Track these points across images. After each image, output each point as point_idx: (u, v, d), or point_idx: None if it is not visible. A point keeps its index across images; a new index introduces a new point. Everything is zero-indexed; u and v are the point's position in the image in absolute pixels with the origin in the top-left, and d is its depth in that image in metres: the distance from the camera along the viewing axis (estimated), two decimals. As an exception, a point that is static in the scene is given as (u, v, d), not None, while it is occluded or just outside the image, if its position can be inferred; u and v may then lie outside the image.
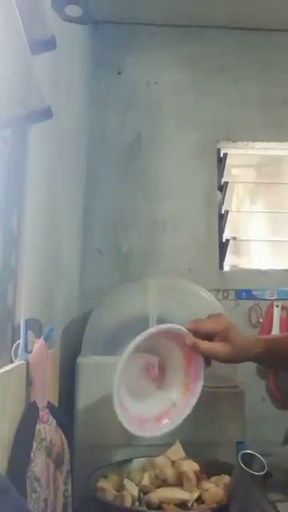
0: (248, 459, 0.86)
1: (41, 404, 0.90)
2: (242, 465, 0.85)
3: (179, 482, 1.02)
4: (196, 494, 0.98)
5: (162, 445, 1.12)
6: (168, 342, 1.05)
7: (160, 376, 1.07)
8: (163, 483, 1.02)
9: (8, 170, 0.93)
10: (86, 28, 1.87)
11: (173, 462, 1.06)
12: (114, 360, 1.33)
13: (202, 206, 1.97)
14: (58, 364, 1.23)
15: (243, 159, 2.10)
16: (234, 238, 1.98)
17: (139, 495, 1.00)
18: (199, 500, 0.98)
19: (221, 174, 2.01)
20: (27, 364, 0.90)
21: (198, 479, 1.01)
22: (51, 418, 0.94)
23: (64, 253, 1.48)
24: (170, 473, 1.03)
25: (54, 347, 1.15)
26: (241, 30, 2.05)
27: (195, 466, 1.04)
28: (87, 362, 1.30)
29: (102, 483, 1.01)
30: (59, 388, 1.19)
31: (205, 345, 1.03)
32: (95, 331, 1.40)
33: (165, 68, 2.04)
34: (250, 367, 1.89)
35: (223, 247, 1.96)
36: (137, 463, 1.11)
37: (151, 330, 1.00)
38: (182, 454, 1.05)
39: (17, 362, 0.88)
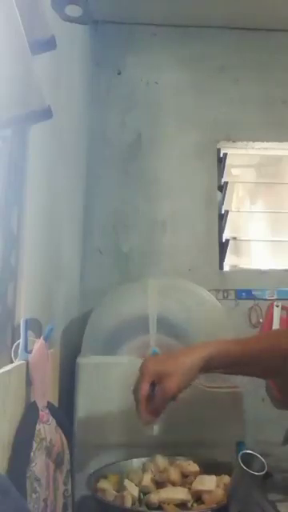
0: (248, 459, 0.86)
1: (41, 404, 0.90)
2: (241, 465, 0.85)
3: (179, 482, 1.02)
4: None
5: (162, 445, 1.12)
6: None
7: None
8: (163, 483, 1.02)
9: (8, 170, 0.93)
10: (86, 28, 1.87)
11: (173, 463, 1.06)
12: (114, 360, 1.33)
13: (202, 206, 1.97)
14: (58, 364, 1.23)
15: (243, 159, 2.10)
16: (234, 238, 1.98)
17: (139, 495, 1.00)
18: (199, 500, 0.98)
19: (221, 174, 2.01)
20: (27, 364, 0.90)
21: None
22: (51, 418, 0.94)
23: (64, 253, 1.48)
24: (170, 473, 1.03)
25: (53, 347, 1.15)
26: (241, 30, 2.05)
27: (195, 467, 1.05)
28: (87, 361, 1.30)
29: (102, 483, 1.00)
30: (59, 388, 1.19)
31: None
32: (95, 331, 1.40)
33: (165, 68, 2.04)
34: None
35: (223, 247, 1.96)
36: (137, 463, 1.11)
37: None
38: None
39: (17, 362, 0.88)
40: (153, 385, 0.99)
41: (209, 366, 1.00)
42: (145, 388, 0.98)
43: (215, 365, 1.01)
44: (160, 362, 1.02)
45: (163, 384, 0.96)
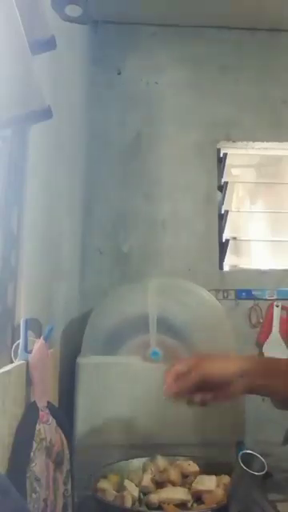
0: (248, 459, 0.86)
1: (41, 404, 0.90)
2: (242, 465, 0.85)
3: (179, 482, 1.02)
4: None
5: (161, 445, 1.12)
6: None
7: None
8: (163, 483, 1.02)
9: (8, 170, 0.93)
10: (86, 28, 1.87)
11: (172, 463, 1.06)
12: (114, 360, 1.33)
13: (201, 206, 1.97)
14: (58, 364, 1.23)
15: (243, 159, 2.10)
16: (234, 238, 1.98)
17: (139, 496, 1.00)
18: (199, 500, 0.98)
19: (221, 174, 2.01)
20: (27, 364, 0.90)
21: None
22: (51, 418, 0.94)
23: (64, 253, 1.48)
24: (170, 473, 1.03)
25: (53, 347, 1.15)
26: (241, 30, 2.05)
27: (195, 467, 1.05)
28: (87, 361, 1.30)
29: (102, 483, 1.00)
30: (59, 388, 1.19)
31: None
32: (95, 331, 1.40)
33: (165, 68, 2.04)
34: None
35: (223, 247, 1.96)
36: (137, 463, 1.11)
37: None
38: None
39: (17, 362, 0.88)
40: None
41: (248, 372, 0.98)
42: (181, 364, 0.97)
43: (254, 372, 0.99)
44: (203, 353, 1.03)
45: (200, 363, 0.96)
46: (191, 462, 1.07)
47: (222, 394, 0.97)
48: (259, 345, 1.91)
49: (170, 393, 0.95)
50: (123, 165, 1.98)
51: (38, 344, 0.93)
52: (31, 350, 0.91)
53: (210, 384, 0.95)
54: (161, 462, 1.07)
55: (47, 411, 0.93)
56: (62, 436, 0.98)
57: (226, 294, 1.91)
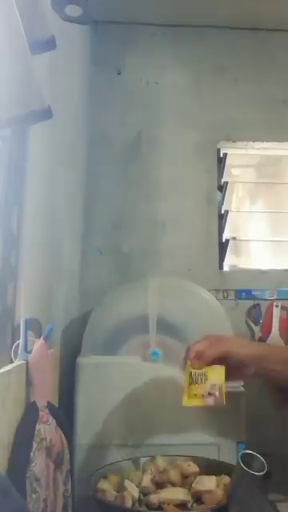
0: (248, 459, 0.86)
1: (41, 404, 0.90)
2: (242, 465, 0.85)
3: (179, 482, 1.02)
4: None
5: (161, 445, 1.12)
6: None
7: None
8: (163, 484, 1.02)
9: (8, 170, 0.93)
10: (86, 28, 1.87)
11: (172, 463, 1.06)
12: (114, 360, 1.33)
13: (202, 206, 1.97)
14: (58, 364, 1.23)
15: (243, 159, 2.10)
16: (234, 238, 1.98)
17: (139, 496, 1.00)
18: (199, 500, 0.98)
19: (221, 174, 2.01)
20: (27, 364, 0.90)
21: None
22: (51, 418, 0.94)
23: (64, 253, 1.48)
24: (170, 474, 1.03)
25: (53, 347, 1.15)
26: (241, 30, 2.05)
27: (195, 467, 1.05)
28: (87, 361, 1.30)
29: (102, 484, 1.01)
30: (59, 388, 1.19)
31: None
32: (95, 331, 1.40)
33: (165, 68, 2.03)
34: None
35: (223, 247, 1.95)
36: (137, 463, 1.11)
37: None
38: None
39: (17, 362, 0.88)
40: None
41: (265, 358, 1.06)
42: (199, 343, 1.03)
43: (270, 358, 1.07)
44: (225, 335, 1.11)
45: (222, 340, 1.05)
46: (191, 463, 1.07)
47: (236, 374, 1.03)
48: (259, 345, 1.91)
49: (193, 364, 1.01)
50: (123, 165, 1.97)
51: (37, 344, 0.93)
52: (31, 350, 0.91)
53: (228, 362, 1.02)
54: (161, 462, 1.07)
55: (47, 411, 0.93)
56: (62, 436, 0.98)
57: (225, 294, 1.91)
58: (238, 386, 1.29)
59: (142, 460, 1.11)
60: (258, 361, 1.05)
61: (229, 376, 1.03)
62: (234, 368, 1.04)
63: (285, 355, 1.12)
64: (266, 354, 1.08)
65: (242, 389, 1.29)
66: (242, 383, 1.26)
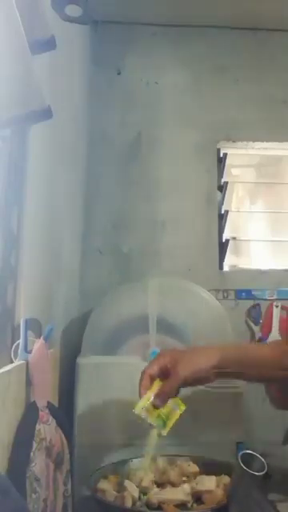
0: (248, 459, 0.86)
1: (41, 404, 0.90)
2: (242, 465, 0.85)
3: (179, 482, 1.02)
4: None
5: (161, 445, 1.12)
6: None
7: None
8: (163, 484, 1.02)
9: (8, 170, 0.93)
10: (86, 28, 1.87)
11: (172, 463, 1.06)
12: (114, 360, 1.33)
13: (202, 206, 1.97)
14: (58, 364, 1.23)
15: (243, 159, 2.10)
16: (234, 238, 1.98)
17: (139, 496, 1.00)
18: (199, 500, 0.98)
19: (221, 173, 2.01)
20: (27, 364, 0.90)
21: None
22: (51, 418, 0.94)
23: (64, 253, 1.48)
24: (170, 474, 1.03)
25: (53, 347, 1.15)
26: (241, 30, 2.05)
27: (195, 467, 1.05)
28: (87, 361, 1.30)
29: (102, 484, 1.01)
30: (59, 388, 1.19)
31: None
32: (95, 331, 1.40)
33: (165, 68, 2.03)
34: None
35: (223, 247, 1.95)
36: (137, 463, 1.11)
37: None
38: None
39: (17, 362, 0.88)
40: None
41: (221, 365, 1.01)
42: (153, 367, 1.00)
43: (227, 363, 1.02)
44: (179, 352, 1.05)
45: (176, 368, 0.98)
46: (191, 463, 1.07)
47: (199, 384, 1.03)
48: (259, 345, 1.91)
49: (155, 403, 0.98)
50: (123, 165, 1.97)
51: (37, 344, 0.93)
52: (31, 350, 0.91)
53: (188, 383, 0.99)
54: (161, 462, 1.07)
55: (47, 411, 0.93)
56: (62, 436, 0.98)
57: (225, 294, 1.91)
58: (238, 386, 1.29)
59: (142, 460, 1.11)
60: (219, 368, 1.01)
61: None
62: (197, 382, 1.02)
63: (248, 355, 1.07)
64: (228, 358, 1.02)
65: (242, 389, 1.29)
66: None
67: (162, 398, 0.98)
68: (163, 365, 1.01)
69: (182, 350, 1.07)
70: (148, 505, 0.97)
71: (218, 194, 2.00)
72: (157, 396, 0.98)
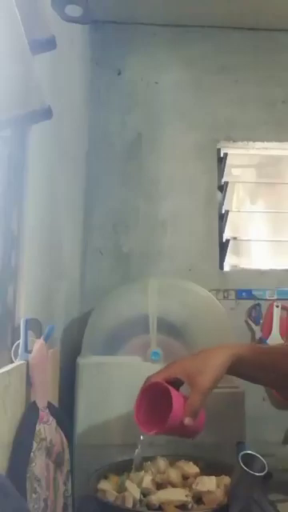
0: (248, 460, 0.86)
1: (41, 404, 0.90)
2: (242, 465, 0.85)
3: (179, 483, 1.02)
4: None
5: (161, 445, 1.12)
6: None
7: None
8: (163, 485, 1.02)
9: (8, 170, 0.93)
10: (86, 28, 1.87)
11: (173, 464, 1.06)
12: (114, 360, 1.33)
13: (202, 206, 1.97)
14: (58, 364, 1.23)
15: (243, 159, 2.10)
16: (234, 238, 1.98)
17: (140, 496, 1.00)
18: (199, 501, 0.98)
19: (221, 173, 2.01)
20: (27, 364, 0.90)
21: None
22: (51, 418, 0.94)
23: (64, 253, 1.48)
24: (170, 474, 1.03)
25: (54, 347, 1.15)
26: (241, 30, 2.05)
27: (195, 468, 1.04)
28: (87, 361, 1.30)
29: (103, 484, 1.00)
30: (59, 388, 1.19)
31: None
32: (95, 331, 1.40)
33: (165, 68, 2.03)
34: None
35: (223, 247, 1.96)
36: (137, 464, 1.10)
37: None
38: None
39: (17, 362, 0.88)
40: (175, 385, 0.98)
41: (235, 366, 1.00)
42: (160, 376, 0.98)
43: (241, 365, 1.01)
44: (189, 361, 1.02)
45: (196, 380, 0.95)
46: (191, 464, 1.07)
47: None
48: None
49: (193, 429, 0.96)
50: (123, 165, 1.98)
51: (37, 344, 0.93)
52: (31, 350, 0.91)
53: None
54: (161, 463, 1.07)
55: (47, 411, 0.93)
56: (62, 436, 0.98)
57: (226, 294, 1.91)
58: (237, 386, 1.29)
59: (142, 460, 1.11)
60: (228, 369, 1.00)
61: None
62: None
63: (258, 358, 1.05)
64: (238, 360, 1.00)
65: (242, 389, 1.29)
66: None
67: (193, 414, 0.96)
68: (172, 376, 0.98)
69: (191, 359, 1.03)
70: (148, 506, 0.97)
71: (219, 193, 2.00)
72: (187, 414, 0.95)
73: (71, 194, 1.62)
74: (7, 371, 0.80)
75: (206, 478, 1.00)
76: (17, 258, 0.95)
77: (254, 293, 1.92)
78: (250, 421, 1.30)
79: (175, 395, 0.96)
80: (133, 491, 0.97)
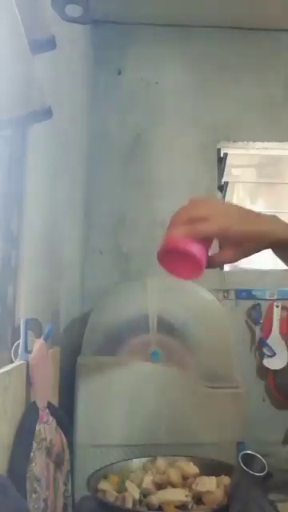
0: (248, 460, 0.86)
1: (41, 404, 0.90)
2: (242, 465, 0.85)
3: (179, 483, 1.02)
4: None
5: (161, 445, 1.12)
6: None
7: None
8: (163, 485, 1.02)
9: (8, 170, 0.93)
10: (86, 28, 1.87)
11: (173, 464, 1.06)
12: (114, 360, 1.33)
13: (202, 206, 1.97)
14: (58, 364, 1.22)
15: (243, 159, 2.10)
16: (235, 238, 1.98)
17: (140, 497, 1.00)
18: (199, 501, 0.98)
19: (221, 173, 2.01)
20: (27, 364, 0.89)
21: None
22: (51, 418, 0.94)
23: (64, 253, 1.48)
24: (170, 475, 1.03)
25: (54, 347, 1.15)
26: (241, 30, 2.05)
27: (195, 469, 1.04)
28: (87, 361, 1.30)
29: (103, 484, 1.00)
30: (59, 388, 1.19)
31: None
32: (95, 331, 1.40)
33: (165, 68, 2.04)
34: (251, 367, 1.89)
35: (223, 247, 1.95)
36: (137, 463, 1.11)
37: None
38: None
39: (17, 362, 0.88)
40: None
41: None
42: (183, 215, 0.80)
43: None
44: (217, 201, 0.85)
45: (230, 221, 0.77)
46: (191, 464, 1.07)
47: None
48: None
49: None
50: (123, 165, 1.98)
51: (38, 344, 0.92)
52: (31, 350, 0.91)
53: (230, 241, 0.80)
54: (161, 463, 1.07)
55: (47, 411, 0.93)
56: (62, 436, 0.98)
57: (226, 294, 1.91)
58: (237, 386, 1.29)
59: (143, 460, 1.11)
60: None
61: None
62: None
63: None
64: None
65: (242, 389, 1.29)
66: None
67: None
68: (197, 216, 0.79)
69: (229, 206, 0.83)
70: (148, 506, 0.97)
71: (219, 193, 2.00)
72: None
73: (71, 193, 1.62)
74: (7, 371, 0.80)
75: (205, 478, 1.00)
76: (17, 258, 0.95)
77: (253, 293, 1.92)
78: (250, 421, 1.30)
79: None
80: (133, 491, 0.97)
